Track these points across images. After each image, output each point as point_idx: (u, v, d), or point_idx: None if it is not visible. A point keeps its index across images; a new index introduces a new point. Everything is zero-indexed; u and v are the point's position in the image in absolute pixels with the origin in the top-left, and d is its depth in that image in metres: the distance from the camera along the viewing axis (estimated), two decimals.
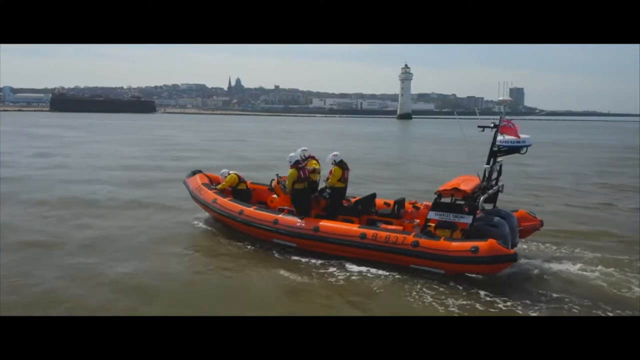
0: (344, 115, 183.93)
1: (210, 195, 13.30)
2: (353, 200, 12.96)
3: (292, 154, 12.59)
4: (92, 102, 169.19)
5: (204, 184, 14.00)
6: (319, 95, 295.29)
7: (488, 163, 10.93)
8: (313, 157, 12.93)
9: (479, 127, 11.10)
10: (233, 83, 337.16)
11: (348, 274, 10.44)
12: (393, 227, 11.18)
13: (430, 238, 10.30)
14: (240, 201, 12.99)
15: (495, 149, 10.85)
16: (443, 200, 10.74)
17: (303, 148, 13.02)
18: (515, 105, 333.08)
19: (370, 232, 10.76)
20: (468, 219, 10.40)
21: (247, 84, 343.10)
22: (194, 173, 15.00)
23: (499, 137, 10.78)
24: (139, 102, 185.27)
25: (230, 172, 13.99)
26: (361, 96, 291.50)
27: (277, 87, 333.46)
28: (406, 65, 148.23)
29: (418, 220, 11.87)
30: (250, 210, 12.30)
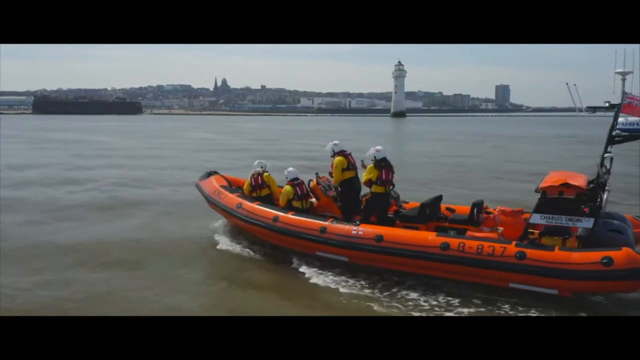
0: (335, 115, 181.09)
1: (232, 199, 10.67)
2: (407, 206, 10.48)
3: (290, 168, 10.61)
4: (76, 104, 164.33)
5: (222, 187, 11.39)
6: (306, 94, 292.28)
7: (607, 151, 8.47)
8: (342, 153, 10.38)
9: (588, 108, 8.73)
10: (219, 83, 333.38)
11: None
12: (484, 234, 8.63)
13: (540, 248, 7.79)
14: (270, 205, 10.41)
15: (615, 133, 8.41)
16: (549, 198, 8.23)
17: (334, 142, 10.56)
18: (502, 102, 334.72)
19: (454, 241, 8.20)
20: (588, 223, 7.89)
21: (233, 84, 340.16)
22: (209, 174, 12.37)
23: (620, 119, 8.37)
24: (125, 104, 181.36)
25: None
26: (348, 95, 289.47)
27: (263, 86, 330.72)
28: (399, 62, 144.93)
29: (502, 229, 9.37)
30: (288, 217, 9.68)
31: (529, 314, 7.54)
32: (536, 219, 8.17)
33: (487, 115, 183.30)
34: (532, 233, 8.35)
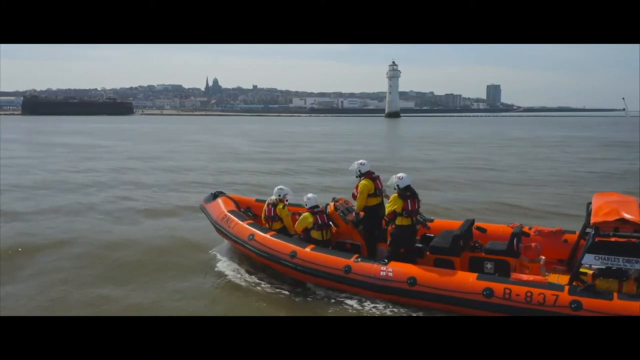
0: (328, 115, 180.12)
1: (243, 228, 9.72)
2: (434, 225, 9.61)
3: (309, 195, 9.65)
4: (67, 104, 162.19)
5: (230, 212, 10.39)
6: (298, 94, 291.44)
7: None
8: (370, 175, 9.44)
9: None
10: (210, 83, 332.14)
11: None
12: (530, 277, 7.75)
13: (597, 296, 6.92)
14: (286, 237, 9.48)
15: None
16: (604, 236, 7.39)
17: (361, 161, 9.58)
18: (493, 102, 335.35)
19: (499, 286, 7.32)
20: None
21: (224, 84, 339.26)
22: (215, 196, 11.27)
23: None
24: (116, 104, 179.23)
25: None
26: (340, 95, 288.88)
27: (255, 86, 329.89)
28: (393, 62, 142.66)
29: (544, 258, 8.55)
30: (307, 252, 8.75)
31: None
32: (589, 259, 7.30)
33: (480, 115, 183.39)
34: (585, 274, 7.52)
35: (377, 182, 9.44)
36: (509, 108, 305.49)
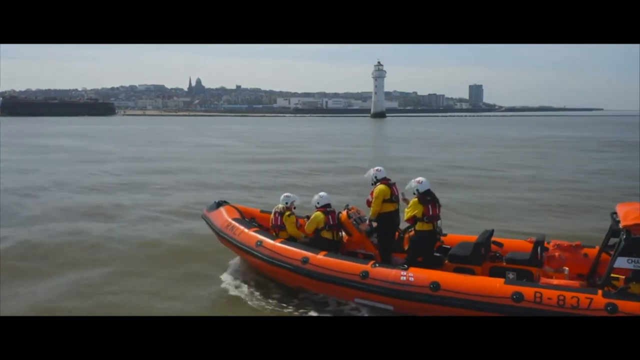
0: (313, 115, 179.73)
1: (250, 235, 9.23)
2: (447, 239, 9.31)
3: (322, 193, 9.30)
4: (47, 105, 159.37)
5: (235, 220, 9.91)
6: (282, 94, 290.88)
7: None
8: (386, 182, 9.04)
9: None
10: (193, 83, 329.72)
11: None
12: (561, 282, 7.43)
13: (633, 299, 6.64)
14: (297, 244, 9.03)
15: None
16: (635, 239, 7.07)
17: (377, 168, 9.23)
18: (476, 102, 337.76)
19: (529, 290, 6.97)
20: None
21: (207, 84, 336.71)
22: (219, 205, 10.72)
23: None
24: (97, 104, 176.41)
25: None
26: (324, 95, 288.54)
27: (238, 87, 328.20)
28: (379, 62, 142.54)
29: (567, 268, 8.22)
30: (320, 258, 8.29)
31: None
32: (622, 262, 6.99)
33: (464, 115, 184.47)
34: (618, 279, 7.21)
35: (394, 188, 9.04)
36: (491, 108, 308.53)
